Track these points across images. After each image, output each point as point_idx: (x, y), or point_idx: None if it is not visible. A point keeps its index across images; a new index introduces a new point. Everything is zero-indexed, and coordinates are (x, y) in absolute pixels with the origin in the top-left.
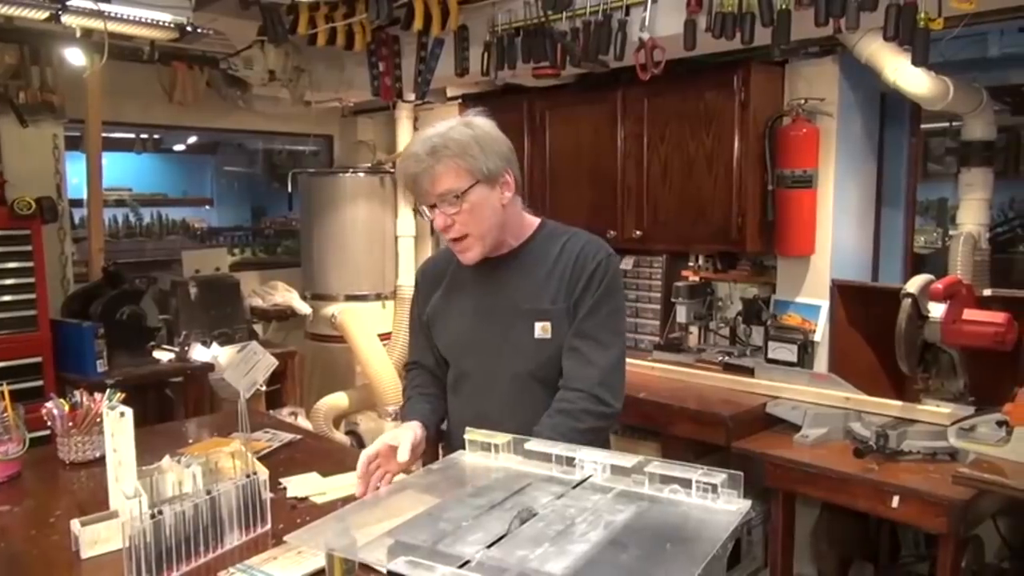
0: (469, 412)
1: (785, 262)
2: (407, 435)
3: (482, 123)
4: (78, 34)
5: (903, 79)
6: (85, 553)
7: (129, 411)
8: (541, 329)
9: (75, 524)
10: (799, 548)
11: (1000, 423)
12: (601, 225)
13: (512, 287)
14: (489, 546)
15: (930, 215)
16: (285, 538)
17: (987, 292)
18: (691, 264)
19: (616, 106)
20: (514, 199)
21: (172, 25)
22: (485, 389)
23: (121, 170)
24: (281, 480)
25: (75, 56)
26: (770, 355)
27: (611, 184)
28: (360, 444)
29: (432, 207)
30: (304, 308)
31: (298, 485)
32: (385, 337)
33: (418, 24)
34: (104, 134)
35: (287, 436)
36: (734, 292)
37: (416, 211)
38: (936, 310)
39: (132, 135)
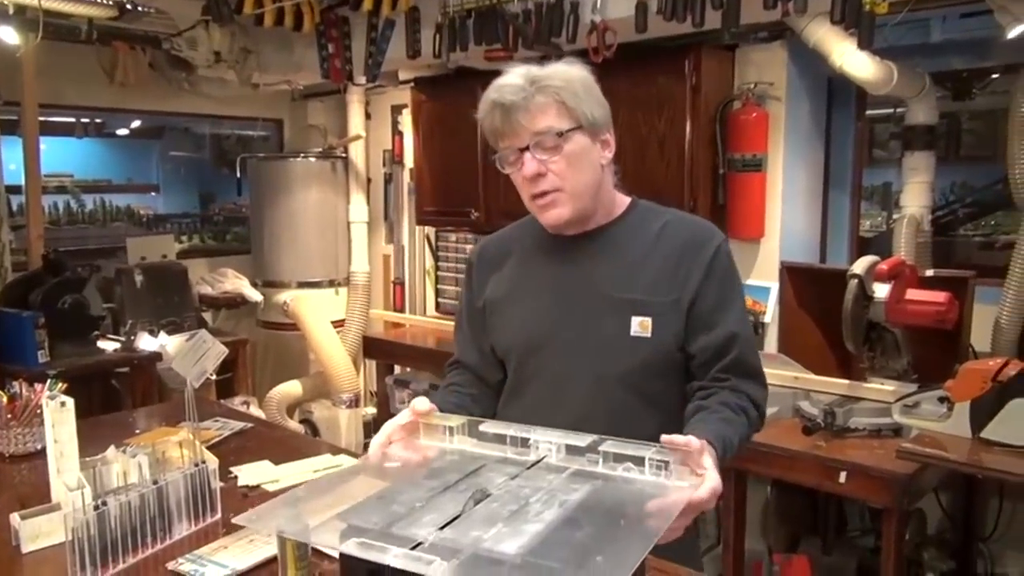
0: (531, 418)
1: (736, 245)
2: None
3: (585, 69)
4: (11, 11)
5: (849, 64)
6: (26, 547)
7: (70, 401)
8: (639, 325)
9: (15, 518)
10: (751, 525)
11: (942, 399)
12: None
13: (600, 272)
14: (442, 527)
15: (875, 200)
16: (234, 520)
17: (929, 272)
18: None
19: None
20: (610, 167)
21: (110, 2)
22: (557, 394)
23: (61, 155)
24: (232, 469)
25: (7, 34)
26: None
27: None
28: (314, 432)
29: (523, 150)
30: (255, 295)
31: (249, 473)
32: (339, 324)
33: (368, 4)
34: (42, 118)
35: (238, 425)
36: None
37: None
38: (881, 290)
39: (72, 119)
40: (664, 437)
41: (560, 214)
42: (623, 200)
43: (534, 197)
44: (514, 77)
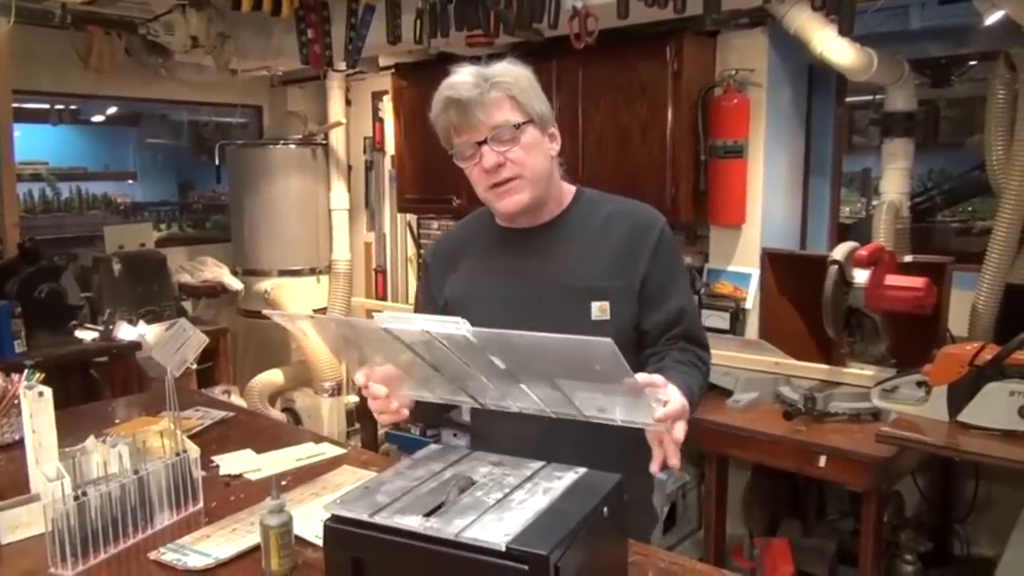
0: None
1: (717, 232)
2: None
3: (527, 68)
4: None
5: (830, 50)
6: (5, 539)
7: (48, 391)
8: (599, 309)
9: None
10: (731, 509)
11: (920, 383)
12: None
13: (557, 261)
14: (427, 515)
15: (854, 186)
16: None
17: (908, 258)
18: None
19: (551, 76)
20: (557, 159)
21: None
22: None
23: (36, 142)
24: (214, 458)
25: None
26: (703, 323)
27: None
28: (297, 421)
29: (480, 144)
30: (235, 284)
31: (231, 462)
32: (321, 312)
33: None
34: (15, 104)
35: (219, 414)
36: None
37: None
38: (860, 276)
39: (46, 105)
40: (628, 380)
41: (520, 199)
42: (569, 190)
43: (493, 186)
44: (465, 76)
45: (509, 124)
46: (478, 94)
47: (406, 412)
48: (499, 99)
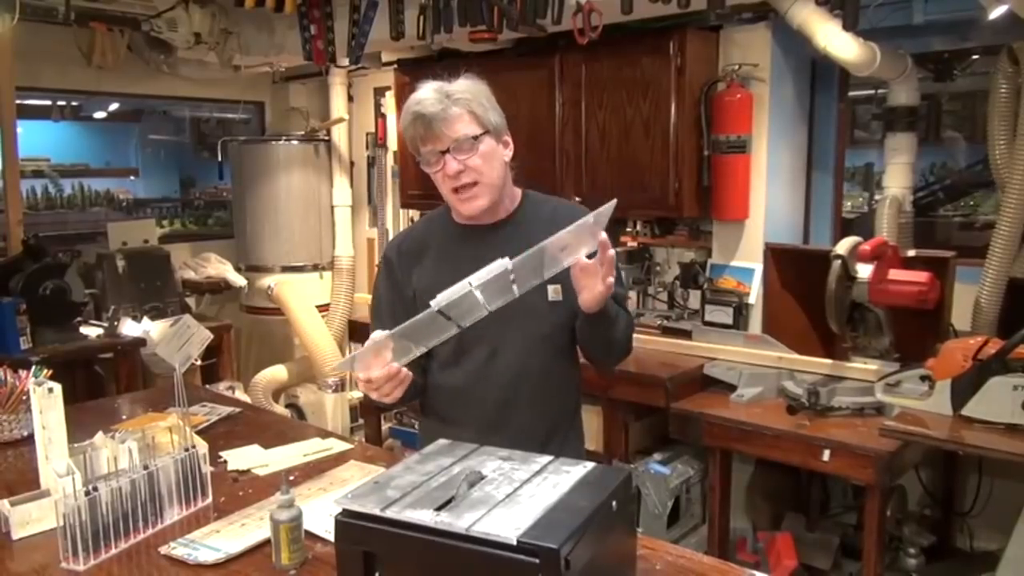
0: (472, 381)
1: (720, 227)
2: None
3: (483, 83)
4: None
5: (833, 45)
6: (16, 534)
7: (58, 387)
8: (554, 292)
9: (4, 504)
10: (735, 503)
11: (923, 378)
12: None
13: (514, 252)
14: (438, 509)
15: (857, 181)
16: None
17: (911, 253)
18: (629, 230)
19: (554, 72)
20: (509, 164)
21: None
22: (493, 356)
23: (39, 139)
24: (221, 453)
25: None
26: (707, 318)
27: (550, 151)
28: (300, 417)
29: (443, 153)
30: (239, 280)
31: (239, 458)
32: (324, 308)
33: None
34: (18, 100)
35: (225, 410)
36: (671, 257)
37: (416, 163)
38: (864, 271)
39: (49, 102)
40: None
41: (480, 204)
42: (518, 192)
43: (455, 191)
44: (429, 92)
45: (468, 136)
46: (441, 109)
47: (407, 371)
48: (459, 114)
